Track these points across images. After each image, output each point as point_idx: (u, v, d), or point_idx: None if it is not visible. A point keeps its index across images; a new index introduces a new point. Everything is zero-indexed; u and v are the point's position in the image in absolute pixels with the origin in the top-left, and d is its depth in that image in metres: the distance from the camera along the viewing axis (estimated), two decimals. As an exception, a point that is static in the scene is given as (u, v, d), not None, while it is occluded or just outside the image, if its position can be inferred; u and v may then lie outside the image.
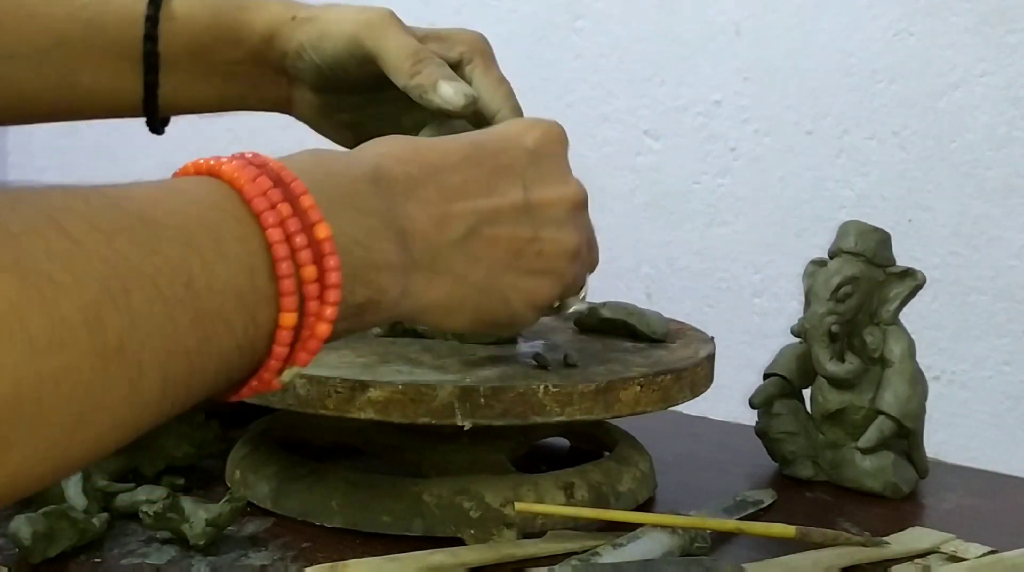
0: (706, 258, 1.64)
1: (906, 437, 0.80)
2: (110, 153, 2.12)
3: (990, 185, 1.44)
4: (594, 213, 0.64)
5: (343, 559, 0.63)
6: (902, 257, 0.81)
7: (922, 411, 0.80)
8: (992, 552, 0.68)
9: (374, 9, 0.75)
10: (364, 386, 0.64)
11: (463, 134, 0.61)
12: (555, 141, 0.62)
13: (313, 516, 0.69)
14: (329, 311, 0.46)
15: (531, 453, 0.79)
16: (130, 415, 0.41)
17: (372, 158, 0.54)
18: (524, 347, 0.75)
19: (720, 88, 1.62)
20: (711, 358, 0.75)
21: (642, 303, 0.82)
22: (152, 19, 0.77)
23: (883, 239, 0.79)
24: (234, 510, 0.65)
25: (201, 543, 0.64)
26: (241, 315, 0.44)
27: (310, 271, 0.46)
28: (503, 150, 0.59)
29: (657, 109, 1.67)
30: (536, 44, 1.74)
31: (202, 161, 0.47)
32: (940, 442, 0.99)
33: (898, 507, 0.78)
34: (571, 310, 0.66)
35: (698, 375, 0.73)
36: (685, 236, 1.66)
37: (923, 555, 0.68)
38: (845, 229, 0.80)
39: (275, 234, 0.45)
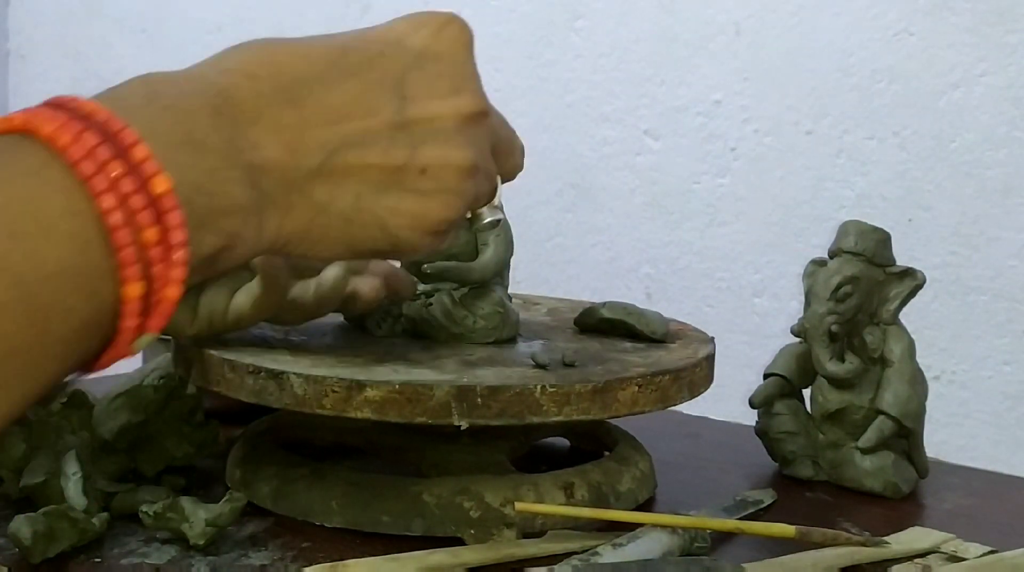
0: (706, 258, 1.64)
1: (906, 437, 0.80)
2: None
3: (990, 185, 1.44)
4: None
5: (343, 559, 0.63)
6: (902, 257, 0.81)
7: (922, 411, 0.80)
8: (992, 552, 0.68)
9: None
10: (361, 386, 0.64)
11: (338, 34, 0.52)
12: (451, 40, 0.53)
13: (313, 516, 0.69)
14: (177, 272, 0.42)
15: (531, 453, 0.79)
16: None
17: (217, 77, 0.48)
18: (523, 347, 0.75)
19: (720, 88, 1.62)
20: (710, 358, 0.75)
21: (642, 303, 0.82)
22: None
23: (883, 239, 0.79)
24: (234, 510, 0.65)
25: (201, 543, 0.64)
26: (81, 296, 0.40)
27: (151, 234, 0.41)
28: (381, 55, 0.51)
29: (657, 109, 1.67)
30: (536, 44, 1.74)
31: (16, 116, 0.42)
32: (940, 442, 0.99)
33: (898, 507, 0.78)
34: (487, 221, 0.62)
35: (697, 375, 0.72)
36: (685, 236, 1.66)
37: (923, 555, 0.68)
38: (845, 229, 0.80)
39: (107, 201, 0.40)
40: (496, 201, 0.61)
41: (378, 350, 0.72)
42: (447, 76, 0.53)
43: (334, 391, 0.64)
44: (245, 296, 0.69)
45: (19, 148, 0.41)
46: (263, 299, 0.68)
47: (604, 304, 0.81)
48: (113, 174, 0.41)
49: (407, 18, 0.54)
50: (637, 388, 0.68)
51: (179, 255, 0.42)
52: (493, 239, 0.75)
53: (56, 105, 0.42)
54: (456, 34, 0.54)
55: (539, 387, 0.65)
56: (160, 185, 0.42)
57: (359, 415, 0.64)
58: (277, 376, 0.65)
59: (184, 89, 0.47)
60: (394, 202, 0.52)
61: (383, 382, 0.64)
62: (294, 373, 0.65)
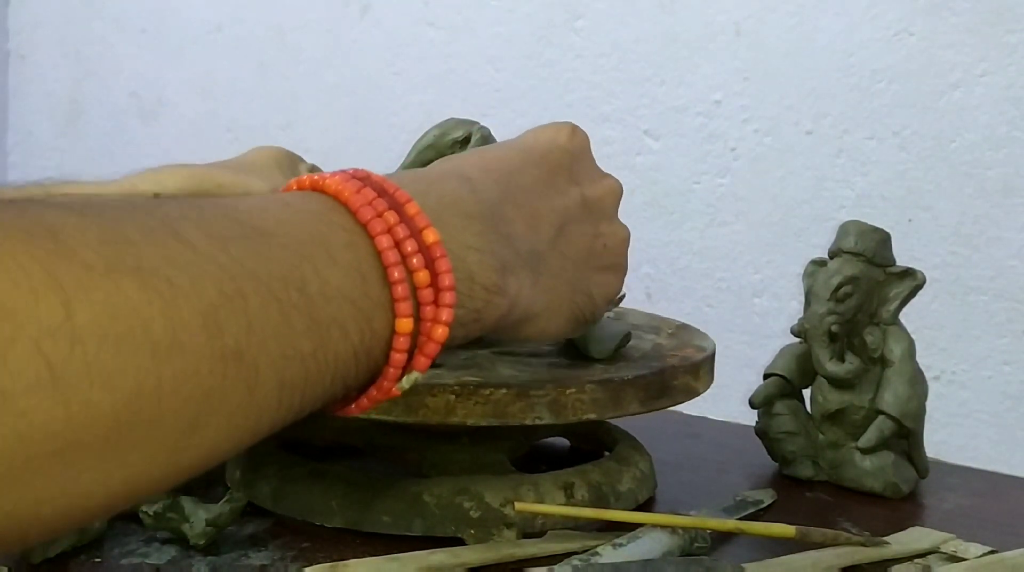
0: (706, 258, 1.64)
1: (906, 437, 0.80)
2: (110, 153, 2.12)
3: (990, 185, 1.44)
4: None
5: (343, 559, 0.63)
6: (902, 257, 0.81)
7: (922, 411, 0.80)
8: (992, 552, 0.68)
9: (166, 172, 0.74)
10: None
11: (500, 143, 0.62)
12: (582, 139, 0.64)
13: (313, 516, 0.69)
14: (445, 314, 0.46)
15: (531, 453, 0.79)
16: (245, 421, 0.40)
17: (459, 170, 0.54)
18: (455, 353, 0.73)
19: (720, 88, 1.62)
20: (615, 383, 0.68)
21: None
22: None
23: (883, 239, 0.79)
24: (234, 510, 0.65)
25: (201, 543, 0.64)
26: (356, 321, 0.44)
27: (423, 276, 0.46)
28: (549, 150, 0.60)
29: (657, 109, 1.67)
30: (536, 44, 1.74)
31: (305, 178, 0.48)
32: (940, 442, 0.99)
33: (898, 507, 0.78)
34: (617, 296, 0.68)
35: (568, 397, 0.67)
36: (685, 236, 1.66)
37: (923, 555, 0.68)
38: (845, 229, 0.80)
39: (383, 241, 0.45)
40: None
41: None
42: (591, 165, 0.63)
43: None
44: None
45: (308, 198, 0.46)
46: None
47: None
48: (390, 221, 0.46)
49: (545, 127, 0.63)
50: (454, 397, 0.66)
51: (448, 298, 0.46)
52: None
53: (336, 172, 0.48)
54: (584, 136, 0.64)
55: None
56: (430, 236, 0.46)
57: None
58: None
59: (440, 173, 0.53)
60: (593, 274, 0.60)
61: None
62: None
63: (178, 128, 2.07)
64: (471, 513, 0.67)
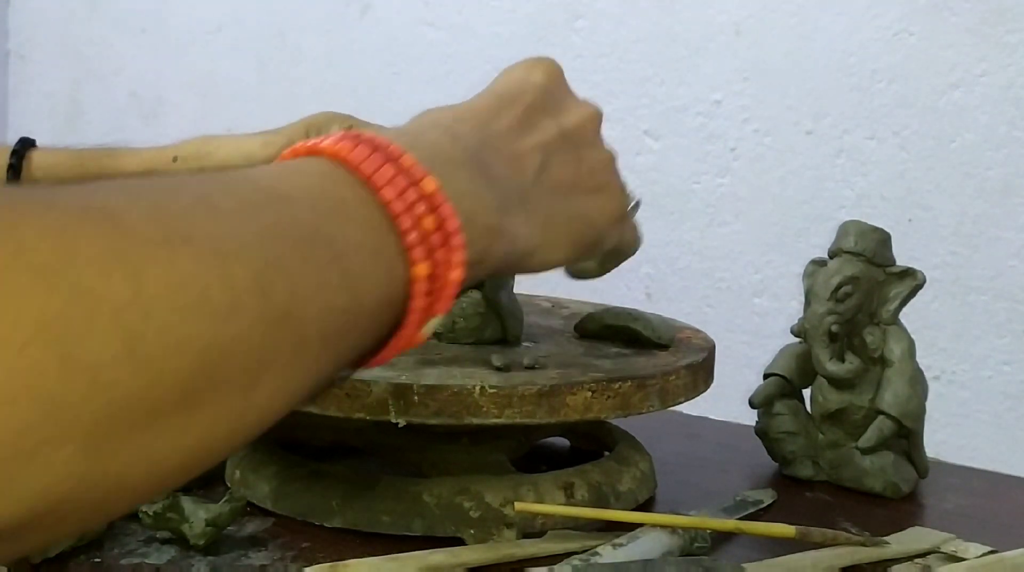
0: (706, 258, 1.64)
1: (906, 437, 0.80)
2: (110, 153, 2.12)
3: (990, 185, 1.44)
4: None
5: (343, 559, 0.63)
6: (902, 257, 0.81)
7: (922, 411, 0.80)
8: (992, 552, 0.68)
9: (285, 131, 0.79)
10: None
11: (475, 95, 0.63)
12: (555, 71, 0.65)
13: (313, 516, 0.69)
14: (457, 256, 0.48)
15: (531, 453, 0.79)
16: (295, 378, 0.42)
17: (436, 122, 0.56)
18: (521, 351, 0.75)
19: (720, 88, 1.62)
20: (692, 367, 0.73)
21: (642, 303, 0.82)
22: (15, 168, 0.83)
23: (883, 239, 0.79)
24: (234, 510, 0.65)
25: (201, 543, 0.64)
26: (382, 270, 0.46)
27: (429, 222, 0.47)
28: (523, 91, 0.62)
29: (657, 109, 1.67)
30: (536, 44, 1.74)
31: (299, 145, 0.49)
32: (940, 442, 0.99)
33: (898, 507, 0.78)
34: (631, 205, 0.69)
35: (670, 383, 0.71)
36: (685, 236, 1.66)
37: (923, 555, 0.68)
38: (845, 229, 0.80)
39: (388, 193, 0.47)
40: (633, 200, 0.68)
41: None
42: (567, 96, 0.64)
43: None
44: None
45: (311, 161, 0.48)
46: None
47: (606, 310, 0.80)
48: (388, 174, 0.47)
49: (516, 66, 0.65)
50: (591, 393, 0.67)
51: (457, 241, 0.48)
52: None
53: (329, 134, 0.49)
54: (556, 68, 0.65)
55: (478, 388, 0.65)
56: (429, 185, 0.48)
57: (303, 408, 0.64)
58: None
59: (417, 127, 0.55)
60: (584, 199, 0.61)
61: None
62: None
63: (178, 128, 2.06)
64: (471, 513, 0.67)
